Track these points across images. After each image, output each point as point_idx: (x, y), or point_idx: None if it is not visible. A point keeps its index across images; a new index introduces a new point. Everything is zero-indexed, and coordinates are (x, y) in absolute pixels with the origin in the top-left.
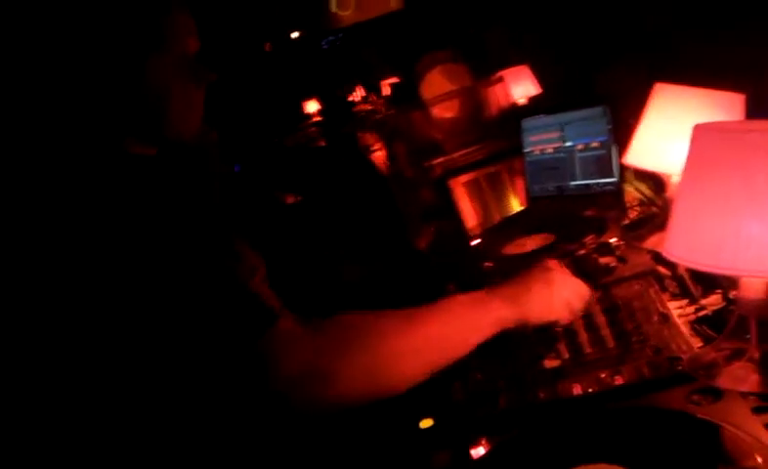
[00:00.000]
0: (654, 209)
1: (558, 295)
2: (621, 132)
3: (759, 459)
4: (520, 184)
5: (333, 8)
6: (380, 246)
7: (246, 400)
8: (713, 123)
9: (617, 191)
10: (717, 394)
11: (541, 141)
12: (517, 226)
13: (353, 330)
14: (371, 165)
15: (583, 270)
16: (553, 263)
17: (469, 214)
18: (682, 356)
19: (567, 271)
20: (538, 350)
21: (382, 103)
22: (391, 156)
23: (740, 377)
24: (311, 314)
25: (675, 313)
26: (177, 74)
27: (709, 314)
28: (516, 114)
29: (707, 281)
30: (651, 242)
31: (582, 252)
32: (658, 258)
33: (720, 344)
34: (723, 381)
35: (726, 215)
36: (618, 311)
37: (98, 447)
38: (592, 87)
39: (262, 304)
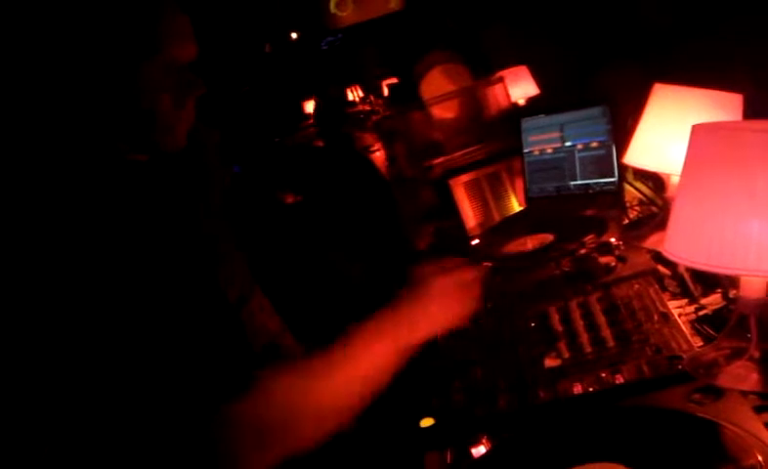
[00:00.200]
0: (653, 209)
1: (449, 304)
2: (621, 132)
3: (760, 458)
4: (520, 184)
5: (332, 9)
6: (380, 246)
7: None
8: (712, 123)
9: (616, 191)
10: (718, 393)
11: (541, 141)
12: (517, 225)
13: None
14: (371, 165)
15: (583, 269)
16: (432, 269)
17: (469, 214)
18: (682, 355)
19: (448, 274)
20: (539, 349)
21: (381, 103)
22: (391, 157)
23: (740, 376)
24: (310, 313)
25: (675, 312)
26: (165, 83)
27: (710, 313)
28: (515, 114)
29: (707, 281)
30: (651, 242)
31: (582, 252)
32: (657, 257)
33: (720, 343)
34: (723, 380)
35: (726, 214)
36: (618, 310)
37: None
38: (591, 87)
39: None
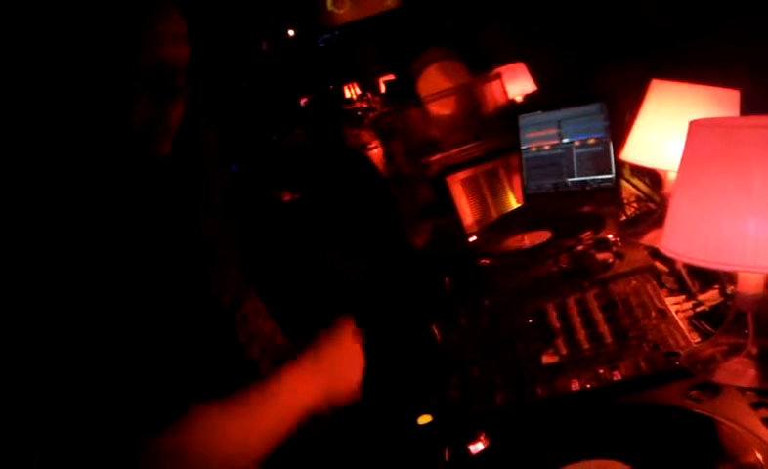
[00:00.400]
0: (651, 205)
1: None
2: (618, 128)
3: (759, 456)
4: (517, 180)
5: (330, 6)
6: (378, 244)
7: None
8: (709, 119)
9: (614, 188)
10: (715, 389)
11: (538, 138)
12: (514, 222)
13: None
14: (369, 162)
15: (581, 266)
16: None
17: (466, 211)
18: (680, 351)
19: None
20: (536, 345)
21: (379, 100)
22: (388, 154)
23: (738, 372)
24: (309, 313)
25: (673, 308)
26: (144, 86)
27: (707, 309)
28: (513, 111)
29: (705, 277)
30: (648, 238)
31: (580, 248)
32: (655, 254)
33: (718, 339)
34: (721, 376)
35: (723, 210)
36: (615, 307)
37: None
38: (589, 84)
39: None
